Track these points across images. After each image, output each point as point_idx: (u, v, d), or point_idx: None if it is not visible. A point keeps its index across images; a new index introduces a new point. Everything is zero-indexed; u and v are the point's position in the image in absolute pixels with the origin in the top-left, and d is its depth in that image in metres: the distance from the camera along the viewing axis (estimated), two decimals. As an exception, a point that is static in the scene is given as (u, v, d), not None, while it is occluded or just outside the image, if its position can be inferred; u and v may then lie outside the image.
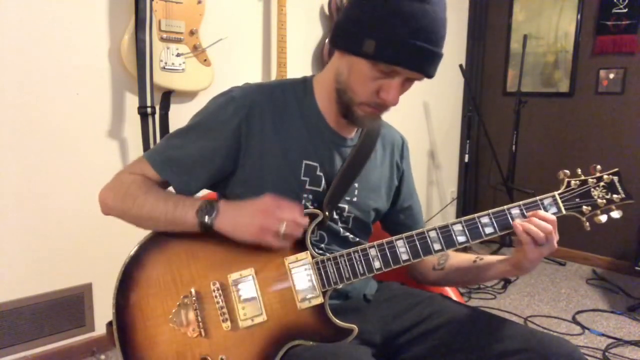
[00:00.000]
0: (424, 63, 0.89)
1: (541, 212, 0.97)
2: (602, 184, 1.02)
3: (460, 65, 3.22)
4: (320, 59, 2.64)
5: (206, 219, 0.94)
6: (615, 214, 1.02)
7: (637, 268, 2.88)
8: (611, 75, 3.06)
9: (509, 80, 3.52)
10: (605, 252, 3.19)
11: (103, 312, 2.06)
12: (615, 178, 1.03)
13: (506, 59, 3.51)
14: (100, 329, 2.06)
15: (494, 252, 3.29)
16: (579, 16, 3.15)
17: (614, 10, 3.00)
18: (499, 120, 3.52)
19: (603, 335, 2.30)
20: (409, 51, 0.87)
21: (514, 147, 3.25)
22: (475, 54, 3.60)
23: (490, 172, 3.50)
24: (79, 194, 1.94)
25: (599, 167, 1.03)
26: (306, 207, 1.02)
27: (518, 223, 0.97)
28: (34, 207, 1.86)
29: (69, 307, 1.98)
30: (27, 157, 1.83)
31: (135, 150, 2.06)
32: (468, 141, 3.40)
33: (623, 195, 1.02)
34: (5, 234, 1.81)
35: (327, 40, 2.61)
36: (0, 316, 1.82)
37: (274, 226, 0.92)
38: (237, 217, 0.95)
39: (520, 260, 1.00)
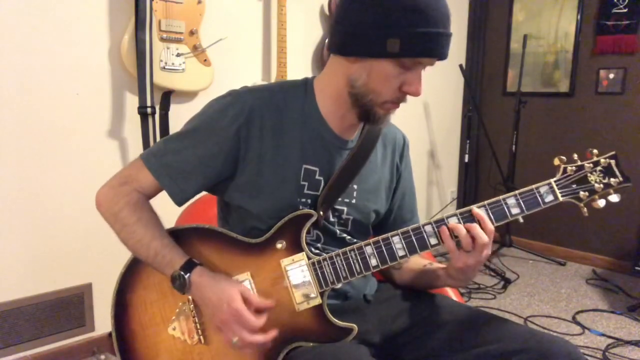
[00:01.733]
0: (444, 47, 0.91)
1: (485, 225, 0.95)
2: (599, 168, 1.00)
3: (460, 65, 3.22)
4: (320, 59, 2.64)
5: (179, 288, 0.95)
6: (614, 198, 0.99)
7: (637, 268, 2.88)
8: (611, 75, 3.06)
9: (509, 80, 3.52)
10: (605, 252, 3.18)
11: (103, 312, 2.05)
12: (612, 161, 1.00)
13: (506, 59, 3.51)
14: (100, 329, 2.06)
15: (494, 252, 3.29)
16: (579, 16, 3.15)
17: (614, 10, 3.00)
18: (499, 120, 3.52)
19: (603, 335, 2.29)
20: (432, 40, 0.88)
21: (514, 147, 3.25)
22: (475, 54, 3.60)
23: (490, 172, 3.49)
24: (79, 194, 1.94)
25: (595, 150, 1.01)
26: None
27: (450, 225, 0.96)
28: (34, 207, 1.86)
29: (69, 307, 1.98)
30: (27, 157, 1.83)
31: (135, 150, 2.06)
32: (468, 141, 3.40)
33: (621, 179, 0.99)
34: (5, 234, 1.81)
35: (326, 43, 2.61)
36: (0, 316, 1.82)
37: (229, 333, 0.92)
38: (204, 300, 0.95)
39: (449, 268, 1.02)
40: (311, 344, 0.97)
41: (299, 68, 2.58)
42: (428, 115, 3.44)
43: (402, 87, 0.93)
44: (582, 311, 2.55)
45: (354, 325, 0.98)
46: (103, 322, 2.06)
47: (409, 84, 0.93)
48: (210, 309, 0.94)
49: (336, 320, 0.98)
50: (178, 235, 1.01)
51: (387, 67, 0.90)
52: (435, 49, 0.90)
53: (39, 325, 1.91)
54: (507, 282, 2.88)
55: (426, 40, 0.88)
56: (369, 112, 0.97)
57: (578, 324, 2.41)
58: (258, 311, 0.93)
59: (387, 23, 0.87)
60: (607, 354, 2.12)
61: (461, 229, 0.94)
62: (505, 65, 3.52)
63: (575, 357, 0.92)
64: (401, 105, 0.98)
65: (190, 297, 0.98)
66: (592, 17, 3.11)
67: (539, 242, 3.43)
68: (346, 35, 0.92)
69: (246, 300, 0.92)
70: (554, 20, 3.25)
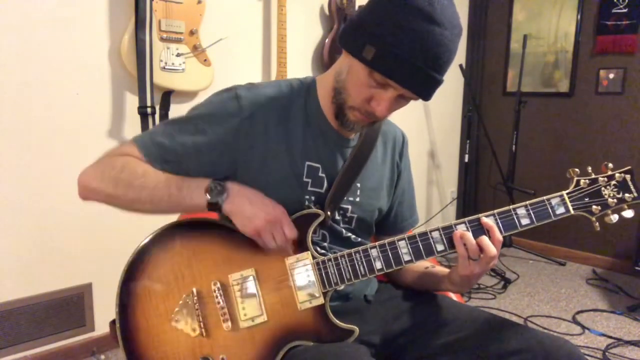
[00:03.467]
0: (418, 84, 0.88)
1: (494, 235, 0.95)
2: (613, 182, 0.98)
3: (460, 65, 3.22)
4: (320, 59, 2.64)
5: (217, 199, 0.93)
6: (628, 213, 0.98)
7: (637, 268, 2.88)
8: (611, 75, 3.06)
9: (509, 80, 3.52)
10: (605, 252, 3.19)
11: (103, 312, 2.06)
12: (628, 176, 0.99)
13: (506, 59, 3.51)
14: (100, 329, 2.06)
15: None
16: (579, 16, 3.15)
17: (614, 10, 3.00)
18: (499, 120, 3.52)
19: (603, 335, 2.29)
20: (406, 68, 0.85)
21: (514, 147, 3.25)
22: (475, 54, 3.60)
23: (490, 172, 3.50)
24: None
25: (610, 165, 0.99)
26: (308, 208, 1.02)
27: (459, 233, 0.95)
28: (34, 206, 1.86)
29: (69, 307, 1.98)
30: (27, 156, 1.83)
31: (135, 150, 2.06)
32: (468, 141, 3.41)
33: (636, 194, 0.98)
34: (5, 233, 1.81)
35: (326, 41, 2.61)
36: (0, 316, 1.82)
37: (268, 235, 0.94)
38: (244, 207, 0.94)
39: (452, 274, 1.02)
40: (311, 344, 0.97)
41: (299, 68, 2.58)
42: (428, 115, 3.44)
43: (370, 100, 0.92)
44: (582, 311, 2.55)
45: (355, 328, 0.98)
46: (103, 322, 2.06)
47: (376, 101, 0.92)
48: (253, 210, 0.94)
49: (338, 322, 0.98)
50: (184, 228, 1.01)
51: (361, 72, 0.90)
52: (407, 79, 0.86)
53: (39, 325, 1.91)
54: (507, 282, 2.88)
55: (399, 65, 0.85)
56: (340, 110, 0.97)
57: (578, 324, 2.41)
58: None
59: (372, 29, 0.86)
60: (607, 354, 2.12)
61: (470, 237, 0.94)
62: (505, 65, 3.52)
63: (576, 357, 0.92)
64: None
65: (194, 289, 0.98)
66: (592, 17, 3.11)
67: (539, 242, 3.43)
68: (347, 25, 0.94)
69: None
70: (554, 20, 3.25)
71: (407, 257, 0.98)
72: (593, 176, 1.00)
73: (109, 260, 1.93)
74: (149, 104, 1.92)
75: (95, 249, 1.99)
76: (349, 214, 1.08)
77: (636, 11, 2.93)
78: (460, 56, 3.55)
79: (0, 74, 1.74)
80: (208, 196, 0.93)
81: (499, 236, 0.95)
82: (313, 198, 1.03)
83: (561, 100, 3.29)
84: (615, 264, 3.14)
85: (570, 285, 2.91)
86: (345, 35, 0.93)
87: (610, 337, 2.27)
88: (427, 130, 3.48)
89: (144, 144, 0.98)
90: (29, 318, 1.89)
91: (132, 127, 2.04)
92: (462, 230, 0.96)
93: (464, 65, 3.28)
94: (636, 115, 3.01)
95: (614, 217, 0.99)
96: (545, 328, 2.35)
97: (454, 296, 1.27)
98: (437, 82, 0.89)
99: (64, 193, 1.92)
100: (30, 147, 1.83)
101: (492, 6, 3.56)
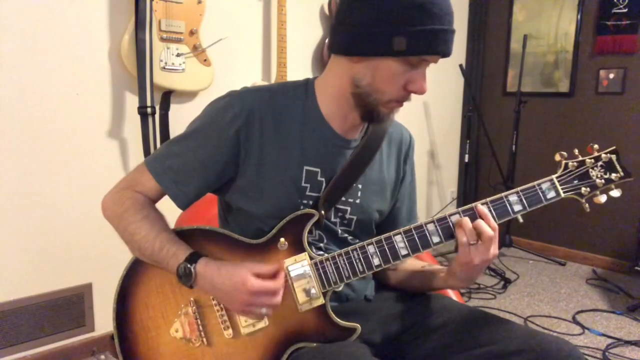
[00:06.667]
0: (448, 44, 0.90)
1: (488, 222, 0.95)
2: (600, 163, 0.99)
3: (460, 65, 3.22)
4: (320, 59, 2.64)
5: (185, 279, 0.92)
6: (615, 193, 0.99)
7: (637, 268, 2.88)
8: (611, 75, 3.06)
9: (509, 80, 3.52)
10: (605, 252, 3.18)
11: (103, 312, 2.05)
12: (614, 156, 1.00)
13: (506, 59, 3.51)
14: (100, 329, 2.06)
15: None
16: (579, 16, 3.15)
17: (614, 10, 3.00)
18: (499, 120, 3.52)
19: (603, 335, 2.29)
20: (437, 37, 0.88)
21: (514, 147, 3.25)
22: (475, 54, 3.60)
23: (490, 172, 3.49)
24: (79, 194, 1.94)
25: (596, 146, 1.01)
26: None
27: (456, 219, 0.95)
28: (34, 207, 1.86)
29: (69, 307, 1.98)
30: (27, 157, 1.83)
31: (135, 150, 2.06)
32: (468, 141, 3.40)
33: (622, 174, 0.99)
34: (5, 234, 1.81)
35: (326, 43, 2.61)
36: (0, 316, 1.82)
37: (255, 310, 0.92)
38: (215, 289, 0.93)
39: (453, 267, 1.01)
40: (314, 345, 0.97)
41: (299, 68, 2.57)
42: (428, 115, 3.44)
43: (406, 85, 0.93)
44: (582, 311, 2.55)
45: (357, 325, 0.98)
46: (103, 322, 2.06)
47: (413, 82, 0.93)
48: (226, 296, 0.93)
49: (339, 320, 0.98)
50: (179, 237, 1.00)
51: (393, 66, 0.90)
52: (441, 45, 0.89)
53: (39, 325, 1.91)
54: (507, 282, 2.88)
55: (432, 38, 0.88)
56: (373, 112, 0.96)
57: (578, 324, 2.41)
58: (273, 276, 0.94)
59: (392, 21, 0.87)
60: (607, 354, 2.12)
61: (467, 222, 0.94)
62: (505, 65, 3.52)
63: (575, 357, 0.92)
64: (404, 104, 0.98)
65: (192, 298, 0.98)
66: (592, 17, 3.11)
67: (539, 242, 3.43)
68: (349, 35, 0.92)
69: (258, 275, 0.92)
70: (554, 20, 3.25)
71: (404, 251, 0.98)
72: (580, 158, 1.00)
73: (109, 260, 1.94)
74: (149, 104, 1.92)
75: (95, 249, 1.99)
76: (347, 216, 1.06)
77: (636, 11, 2.93)
78: (460, 56, 3.56)
79: (1, 74, 1.74)
80: (177, 275, 0.93)
81: (494, 224, 0.95)
82: (311, 202, 1.02)
83: (561, 100, 3.29)
84: (615, 264, 3.14)
85: (570, 285, 2.91)
86: (356, 43, 0.91)
87: (610, 337, 2.27)
88: (427, 130, 3.48)
89: (156, 171, 0.99)
90: (29, 318, 1.88)
91: (132, 127, 2.04)
92: (458, 218, 0.95)
93: (464, 65, 3.28)
94: (636, 115, 3.01)
95: (603, 198, 1.00)
96: (545, 328, 2.35)
97: (454, 296, 1.27)
98: (454, 34, 0.92)
99: (64, 193, 1.92)
100: (30, 147, 1.83)
101: (492, 6, 3.56)
